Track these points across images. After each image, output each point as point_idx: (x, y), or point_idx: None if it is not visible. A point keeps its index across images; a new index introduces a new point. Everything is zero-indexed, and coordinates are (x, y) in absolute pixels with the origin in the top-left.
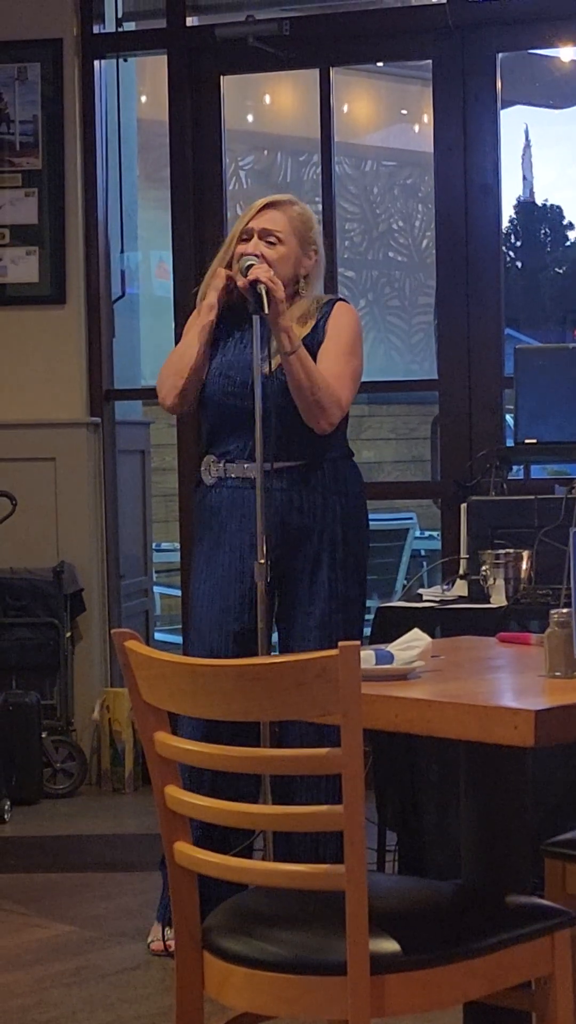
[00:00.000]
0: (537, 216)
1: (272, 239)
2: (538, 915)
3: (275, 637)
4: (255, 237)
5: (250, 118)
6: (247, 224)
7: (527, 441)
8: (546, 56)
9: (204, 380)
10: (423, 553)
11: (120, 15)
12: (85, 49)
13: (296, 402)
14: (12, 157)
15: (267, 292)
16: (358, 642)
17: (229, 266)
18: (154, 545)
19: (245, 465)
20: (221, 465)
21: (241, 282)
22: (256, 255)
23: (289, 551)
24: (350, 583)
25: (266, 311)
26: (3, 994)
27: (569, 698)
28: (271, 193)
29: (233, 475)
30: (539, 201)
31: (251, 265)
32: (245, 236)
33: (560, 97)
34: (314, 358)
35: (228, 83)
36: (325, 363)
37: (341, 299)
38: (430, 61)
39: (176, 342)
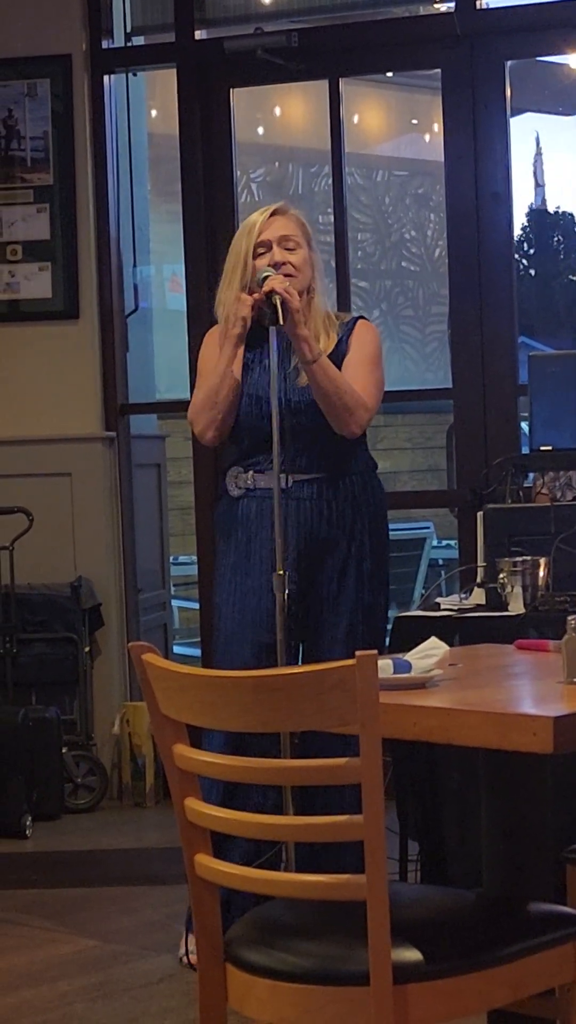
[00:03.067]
0: (549, 223)
1: (291, 245)
2: (560, 922)
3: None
4: (275, 247)
5: (260, 130)
6: (260, 237)
7: (542, 448)
8: (555, 63)
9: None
10: (441, 562)
11: (129, 29)
12: (94, 64)
13: (323, 409)
14: (23, 173)
15: (282, 303)
16: (375, 651)
17: (248, 288)
18: (171, 558)
19: (278, 476)
20: (249, 475)
21: (257, 294)
22: (277, 265)
23: (316, 561)
24: (376, 593)
25: (282, 322)
26: (28, 1009)
27: None
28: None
29: (262, 485)
30: (551, 208)
31: (267, 276)
32: (262, 249)
33: (570, 104)
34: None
35: (238, 95)
36: (349, 373)
37: (362, 317)
38: (439, 70)
39: (190, 356)
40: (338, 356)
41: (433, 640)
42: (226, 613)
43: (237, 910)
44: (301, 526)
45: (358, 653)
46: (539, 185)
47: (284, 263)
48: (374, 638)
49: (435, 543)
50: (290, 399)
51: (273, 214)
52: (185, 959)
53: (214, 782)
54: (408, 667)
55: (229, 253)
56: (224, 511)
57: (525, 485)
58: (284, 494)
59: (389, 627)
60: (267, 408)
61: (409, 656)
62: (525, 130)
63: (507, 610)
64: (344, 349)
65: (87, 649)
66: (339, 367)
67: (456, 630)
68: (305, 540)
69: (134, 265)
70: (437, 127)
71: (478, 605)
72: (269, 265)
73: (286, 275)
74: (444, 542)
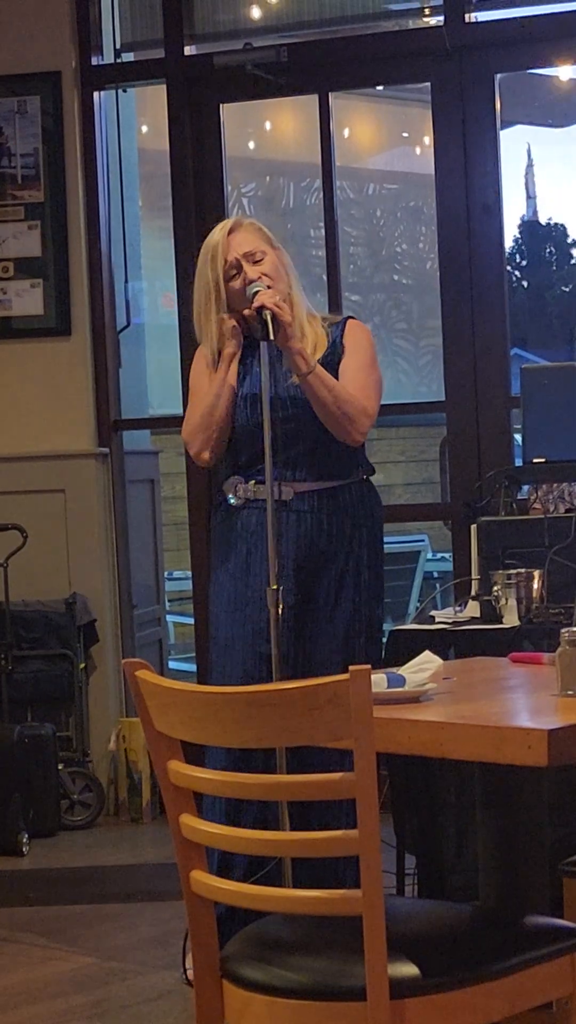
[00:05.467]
0: (541, 235)
1: (257, 256)
2: (557, 936)
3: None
4: (243, 264)
5: (251, 145)
6: (226, 262)
7: (535, 460)
8: (545, 75)
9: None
10: (435, 575)
11: (118, 46)
12: (84, 81)
13: (323, 420)
14: (14, 190)
15: (273, 318)
16: (368, 666)
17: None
18: (166, 574)
19: (281, 486)
20: (251, 485)
21: (248, 311)
22: (256, 279)
23: (314, 574)
24: (372, 604)
25: (272, 337)
26: None
27: None
28: (274, 219)
29: (263, 496)
30: (543, 220)
31: (256, 292)
32: (233, 271)
33: (560, 116)
34: (334, 375)
35: (228, 111)
36: (348, 376)
37: (351, 317)
38: (429, 83)
39: (183, 371)
40: (333, 358)
41: (427, 654)
42: (224, 622)
43: (239, 924)
44: (301, 538)
45: (351, 668)
46: (531, 197)
47: (259, 277)
48: (371, 649)
49: (429, 556)
50: (286, 403)
51: (230, 232)
52: (183, 976)
53: (216, 798)
54: (402, 681)
55: (197, 282)
56: (223, 521)
57: (519, 497)
58: (284, 507)
59: (384, 640)
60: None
61: (403, 670)
62: (516, 142)
63: (502, 623)
64: (339, 351)
65: (82, 665)
66: (335, 369)
67: (451, 643)
68: (305, 553)
69: (126, 281)
70: (428, 140)
71: (473, 618)
72: (244, 284)
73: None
74: (438, 555)
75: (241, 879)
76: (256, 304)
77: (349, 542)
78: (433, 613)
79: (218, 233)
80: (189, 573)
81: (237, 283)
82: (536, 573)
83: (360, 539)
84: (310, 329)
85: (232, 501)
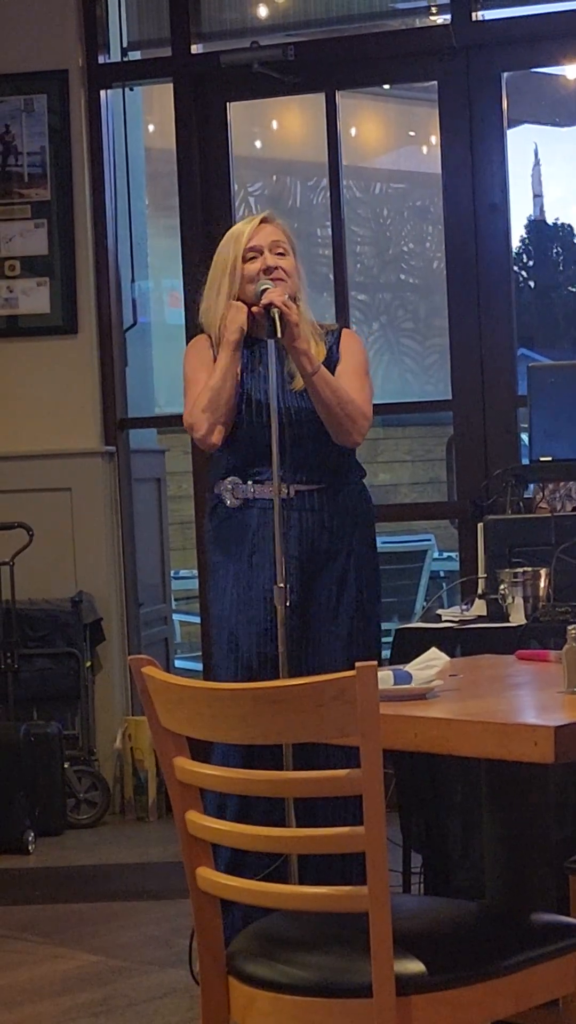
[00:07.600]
0: (548, 235)
1: (281, 250)
2: (563, 933)
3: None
4: (266, 251)
5: (258, 144)
6: (251, 243)
7: (542, 459)
8: (552, 74)
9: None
10: (442, 574)
11: (125, 44)
12: (91, 79)
13: (325, 421)
14: (21, 188)
15: (280, 316)
16: (375, 662)
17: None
18: (172, 572)
19: (284, 486)
20: (249, 485)
21: (256, 308)
22: (269, 269)
23: (316, 572)
24: (373, 601)
25: (279, 335)
26: None
27: None
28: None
29: (262, 496)
30: (550, 220)
31: (265, 289)
32: (252, 254)
33: (567, 115)
34: None
35: (235, 109)
36: (344, 381)
37: (345, 326)
38: (436, 82)
39: None
40: (330, 365)
41: (433, 651)
42: (228, 624)
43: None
44: (303, 537)
45: (358, 664)
46: (537, 196)
47: (276, 267)
48: (372, 646)
49: (436, 555)
50: (289, 407)
51: (262, 222)
52: (191, 972)
53: (226, 798)
54: (408, 678)
55: (215, 262)
56: (222, 522)
57: (525, 496)
58: (286, 505)
59: (390, 639)
60: (267, 415)
61: (409, 667)
62: (523, 141)
63: (508, 621)
64: (335, 358)
65: (88, 664)
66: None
67: (457, 641)
68: (307, 551)
69: (132, 280)
70: (434, 139)
71: (479, 616)
72: (261, 268)
73: (277, 279)
74: (445, 554)
75: None
76: (265, 301)
77: (350, 540)
78: (439, 612)
79: (248, 222)
80: (195, 572)
81: (255, 265)
82: (543, 571)
83: (359, 536)
84: (312, 342)
85: (228, 502)
